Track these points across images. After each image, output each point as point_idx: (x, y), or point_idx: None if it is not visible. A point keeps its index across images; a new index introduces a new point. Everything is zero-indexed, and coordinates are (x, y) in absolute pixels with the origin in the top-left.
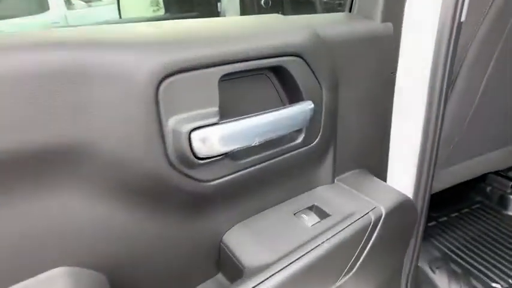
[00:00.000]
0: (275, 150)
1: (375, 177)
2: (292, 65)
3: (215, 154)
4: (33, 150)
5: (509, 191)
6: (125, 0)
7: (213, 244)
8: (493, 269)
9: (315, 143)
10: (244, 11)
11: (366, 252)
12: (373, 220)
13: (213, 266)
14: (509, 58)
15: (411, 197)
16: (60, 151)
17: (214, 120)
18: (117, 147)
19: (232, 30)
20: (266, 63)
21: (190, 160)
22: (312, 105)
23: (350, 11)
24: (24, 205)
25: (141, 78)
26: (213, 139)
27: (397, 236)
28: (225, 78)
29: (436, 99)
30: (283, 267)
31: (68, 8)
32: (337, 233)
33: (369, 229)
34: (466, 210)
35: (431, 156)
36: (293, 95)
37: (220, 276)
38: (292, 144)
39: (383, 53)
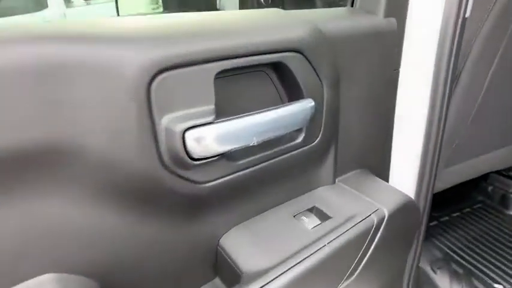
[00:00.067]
0: (274, 150)
1: (376, 178)
2: (292, 61)
3: (211, 155)
4: (15, 150)
5: (511, 190)
6: None
7: (209, 247)
8: (495, 270)
9: (315, 142)
10: (243, 8)
11: (368, 255)
12: (375, 222)
13: (209, 270)
14: None
15: (413, 197)
16: (45, 151)
17: (210, 119)
18: (107, 148)
19: (229, 24)
20: (265, 59)
21: (184, 161)
22: (313, 103)
23: (352, 5)
24: (8, 209)
25: (131, 74)
26: (209, 139)
27: (399, 238)
28: (222, 74)
29: (440, 97)
30: (282, 272)
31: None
32: (338, 236)
33: (372, 232)
34: (467, 210)
35: (434, 155)
36: (293, 93)
37: (217, 280)
38: (292, 144)
39: (386, 49)
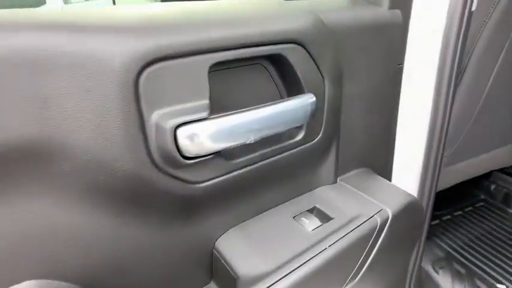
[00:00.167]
0: (272, 148)
1: (379, 177)
2: (292, 54)
3: (205, 153)
4: None
5: None
6: None
7: (204, 250)
8: (498, 269)
9: (316, 140)
10: None
11: (371, 257)
12: (379, 223)
13: (205, 274)
14: None
15: (416, 196)
16: (25, 149)
17: (204, 114)
18: (92, 146)
19: (225, 13)
20: (263, 51)
21: (176, 160)
22: (314, 99)
23: None
24: None
25: (117, 66)
26: (202, 136)
27: (403, 238)
28: (216, 67)
29: (444, 93)
30: (281, 278)
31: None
32: (340, 239)
33: (375, 233)
34: (469, 208)
35: (438, 153)
36: (292, 87)
37: (213, 284)
38: (292, 141)
39: (390, 42)
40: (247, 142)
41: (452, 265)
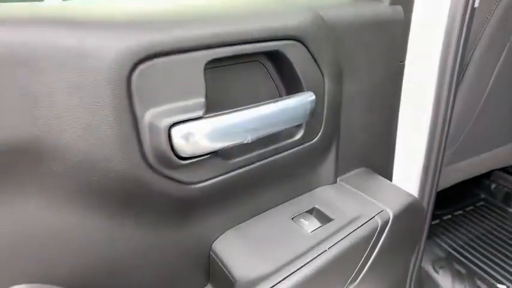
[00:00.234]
0: (271, 147)
1: (380, 176)
2: (291, 50)
3: (200, 153)
4: None
5: None
6: None
7: (201, 252)
8: (499, 269)
9: (315, 139)
10: None
11: (371, 259)
12: (380, 224)
13: (201, 276)
14: None
15: (417, 195)
16: (14, 149)
17: (199, 113)
18: (83, 146)
19: (222, 9)
20: (261, 47)
21: (171, 160)
22: (313, 97)
23: None
24: None
25: (109, 63)
26: (198, 136)
27: (404, 239)
28: (213, 64)
29: (446, 91)
30: (279, 281)
31: None
32: (340, 240)
33: (376, 234)
34: (470, 208)
35: (439, 152)
36: (291, 85)
37: (209, 287)
38: (291, 141)
39: (391, 39)
40: (245, 142)
41: (452, 265)
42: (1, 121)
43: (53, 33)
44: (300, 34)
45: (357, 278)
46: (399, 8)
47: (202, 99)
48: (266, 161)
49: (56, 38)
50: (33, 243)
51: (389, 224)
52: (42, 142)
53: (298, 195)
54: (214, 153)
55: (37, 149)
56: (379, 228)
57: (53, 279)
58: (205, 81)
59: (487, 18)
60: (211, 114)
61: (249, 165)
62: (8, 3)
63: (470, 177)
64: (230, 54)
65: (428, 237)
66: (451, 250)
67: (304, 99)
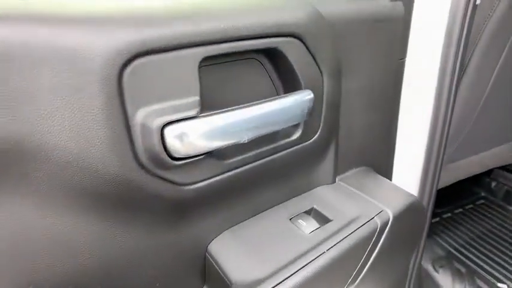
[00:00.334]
0: (268, 147)
1: (379, 176)
2: (289, 48)
3: (195, 153)
4: None
5: None
6: None
7: (197, 254)
8: (499, 268)
9: (314, 138)
10: None
11: (371, 260)
12: (379, 225)
13: (197, 278)
14: None
15: (417, 194)
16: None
17: (193, 112)
18: (71, 147)
19: (216, 4)
20: (257, 44)
21: (164, 161)
22: (312, 95)
23: None
24: None
25: (98, 60)
26: (192, 136)
27: (404, 240)
28: (208, 62)
29: (447, 89)
30: (276, 284)
31: None
32: (339, 242)
33: (375, 235)
34: (470, 206)
35: (439, 151)
36: (289, 83)
37: None
38: (288, 140)
39: (391, 36)
40: (241, 142)
41: (452, 264)
42: None
43: (38, 30)
44: (298, 31)
45: (356, 279)
46: (400, 4)
47: (196, 98)
48: (263, 160)
49: (42, 35)
50: (25, 246)
51: (389, 225)
52: (26, 143)
53: (296, 196)
54: (210, 153)
55: (21, 151)
56: (378, 229)
57: (45, 282)
58: (200, 79)
59: (489, 14)
60: (206, 114)
61: (245, 165)
62: None
63: (471, 175)
64: (225, 51)
65: (428, 235)
66: (451, 249)
67: (302, 97)
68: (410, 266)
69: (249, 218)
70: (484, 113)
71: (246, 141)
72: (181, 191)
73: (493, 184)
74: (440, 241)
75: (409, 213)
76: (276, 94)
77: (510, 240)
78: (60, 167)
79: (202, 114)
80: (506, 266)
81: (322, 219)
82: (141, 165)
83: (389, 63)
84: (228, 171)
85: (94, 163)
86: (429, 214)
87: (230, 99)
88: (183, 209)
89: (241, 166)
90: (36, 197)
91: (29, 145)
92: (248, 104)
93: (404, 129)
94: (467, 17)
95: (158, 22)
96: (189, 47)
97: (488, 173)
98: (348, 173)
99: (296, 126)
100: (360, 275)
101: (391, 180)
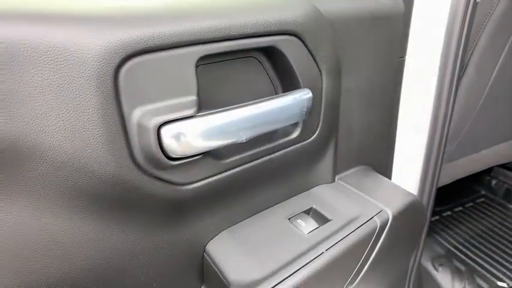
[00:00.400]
0: (266, 147)
1: (379, 175)
2: (288, 46)
3: (192, 153)
4: None
5: None
6: None
7: (195, 254)
8: (499, 267)
9: (313, 137)
10: None
11: (370, 260)
12: (379, 225)
13: (195, 278)
14: None
15: (416, 193)
16: None
17: (191, 112)
18: (66, 147)
19: (214, 2)
20: (256, 42)
21: (161, 161)
22: (310, 94)
23: None
24: None
25: (94, 59)
26: (189, 135)
27: (404, 239)
28: (205, 60)
29: (447, 88)
30: (275, 285)
31: None
32: (338, 242)
33: (375, 235)
34: (470, 204)
35: (439, 150)
36: (288, 82)
37: None
38: (287, 139)
39: (391, 34)
40: (239, 141)
41: (452, 262)
42: None
43: (33, 29)
44: (297, 29)
45: (356, 279)
46: (400, 2)
47: (194, 97)
48: (261, 160)
49: (36, 34)
50: (20, 247)
51: (388, 224)
52: (20, 144)
53: (295, 195)
54: (207, 153)
55: (14, 151)
56: (378, 229)
57: (41, 283)
58: (197, 78)
59: (490, 12)
60: (204, 113)
61: (243, 164)
62: None
63: (471, 173)
64: (223, 50)
65: (428, 234)
66: (450, 247)
67: (301, 96)
68: (410, 264)
69: (247, 218)
70: (484, 111)
71: (244, 141)
72: (178, 191)
73: (493, 182)
74: (440, 239)
75: (408, 213)
76: (274, 93)
77: (510, 239)
78: (55, 167)
79: (200, 114)
80: (506, 264)
81: (321, 219)
82: (138, 165)
83: (389, 61)
84: (226, 170)
85: (90, 163)
86: (429, 213)
87: (228, 98)
88: (181, 209)
89: (240, 165)
90: (32, 197)
91: (23, 145)
92: (246, 103)
93: (404, 128)
94: (468, 15)
95: (154, 20)
96: (186, 46)
97: (488, 171)
98: (347, 172)
99: (295, 125)
100: (359, 275)
101: (390, 179)
